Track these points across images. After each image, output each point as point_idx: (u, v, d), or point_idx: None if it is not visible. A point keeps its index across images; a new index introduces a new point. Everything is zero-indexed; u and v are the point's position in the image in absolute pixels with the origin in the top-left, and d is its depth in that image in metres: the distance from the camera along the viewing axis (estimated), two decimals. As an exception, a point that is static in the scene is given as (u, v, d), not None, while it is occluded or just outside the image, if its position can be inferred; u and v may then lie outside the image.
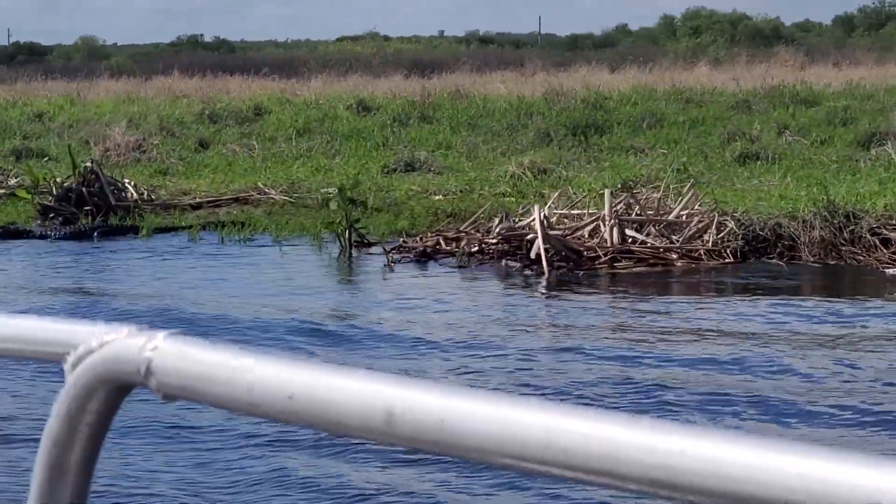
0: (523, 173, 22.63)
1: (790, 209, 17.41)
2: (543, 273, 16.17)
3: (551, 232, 16.71)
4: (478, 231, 17.99)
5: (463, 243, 17.64)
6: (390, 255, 17.48)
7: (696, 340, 12.59)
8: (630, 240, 17.01)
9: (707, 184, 20.12)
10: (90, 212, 20.87)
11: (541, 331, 13.25)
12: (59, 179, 21.78)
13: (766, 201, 18.38)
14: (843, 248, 16.53)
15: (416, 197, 21.42)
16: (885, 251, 16.38)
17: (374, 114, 32.32)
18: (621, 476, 1.01)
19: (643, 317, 13.83)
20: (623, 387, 10.81)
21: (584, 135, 27.54)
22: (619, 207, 17.25)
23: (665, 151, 25.22)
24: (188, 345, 1.27)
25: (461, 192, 21.63)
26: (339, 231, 18.42)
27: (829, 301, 14.36)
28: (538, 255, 16.39)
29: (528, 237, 16.84)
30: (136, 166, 25.53)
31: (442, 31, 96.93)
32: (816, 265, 16.45)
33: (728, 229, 16.98)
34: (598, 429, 1.03)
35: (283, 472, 8.75)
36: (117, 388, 1.33)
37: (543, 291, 15.60)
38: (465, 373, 11.37)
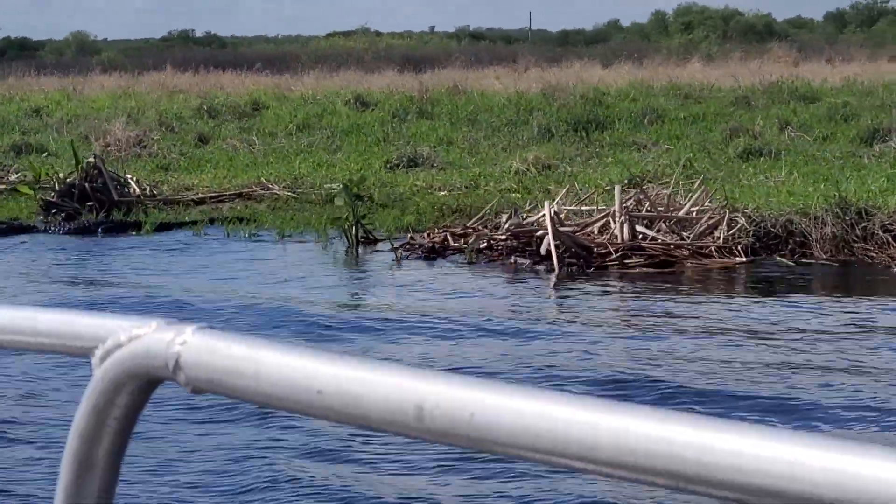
0: (528, 169, 22.57)
1: (801, 206, 17.34)
2: (554, 270, 16.08)
3: (561, 228, 16.63)
4: (486, 227, 17.90)
5: (471, 239, 17.55)
6: (399, 251, 17.40)
7: (708, 337, 12.55)
8: (640, 236, 16.93)
9: (713, 180, 20.05)
10: (93, 207, 20.76)
11: (553, 326, 13.17)
12: (61, 175, 21.65)
13: (776, 197, 18.32)
14: (856, 245, 16.47)
15: (420, 192, 21.34)
16: (898, 248, 16.33)
17: (373, 109, 32.29)
18: (657, 472, 1.00)
19: (654, 313, 13.77)
20: (638, 384, 10.76)
21: (585, 131, 27.52)
22: (629, 203, 17.17)
23: (670, 147, 25.19)
24: (217, 338, 1.27)
25: (466, 187, 21.56)
26: (346, 227, 18.33)
27: (841, 298, 14.31)
28: (548, 251, 16.31)
29: (538, 234, 16.76)
30: (137, 161, 25.44)
31: (433, 27, 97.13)
32: (828, 262, 16.40)
33: (739, 226, 16.90)
34: (633, 424, 1.01)
35: (274, 478, 8.60)
36: (146, 383, 1.33)
37: (555, 288, 15.53)
38: (479, 369, 11.28)
